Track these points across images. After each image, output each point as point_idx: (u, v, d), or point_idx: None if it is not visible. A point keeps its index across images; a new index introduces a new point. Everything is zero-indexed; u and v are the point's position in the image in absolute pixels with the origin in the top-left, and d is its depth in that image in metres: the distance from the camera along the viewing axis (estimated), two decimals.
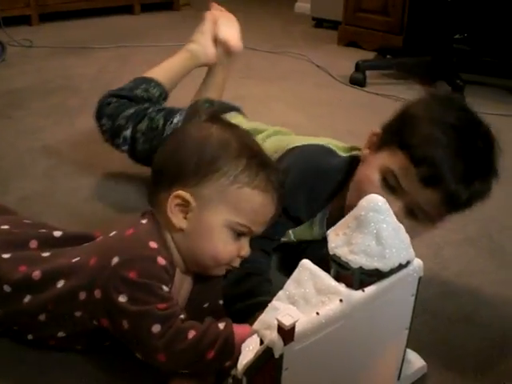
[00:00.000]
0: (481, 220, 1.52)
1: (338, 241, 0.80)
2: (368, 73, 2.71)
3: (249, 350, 0.79)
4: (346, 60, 2.94)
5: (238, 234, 0.93)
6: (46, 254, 0.96)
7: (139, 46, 3.09)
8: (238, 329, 0.88)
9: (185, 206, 0.90)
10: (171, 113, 1.49)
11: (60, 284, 0.91)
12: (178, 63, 1.68)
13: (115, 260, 0.85)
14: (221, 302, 1.03)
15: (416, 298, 0.88)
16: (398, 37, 3.14)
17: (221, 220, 0.90)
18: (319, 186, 1.19)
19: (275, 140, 1.34)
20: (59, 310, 0.92)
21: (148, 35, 3.38)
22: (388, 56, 3.07)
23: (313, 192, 1.19)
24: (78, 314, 0.90)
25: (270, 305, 0.74)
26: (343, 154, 1.24)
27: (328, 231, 0.84)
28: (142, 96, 1.57)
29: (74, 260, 0.92)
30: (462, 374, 1.02)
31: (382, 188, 1.09)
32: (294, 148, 1.23)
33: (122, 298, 0.83)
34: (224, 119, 1.01)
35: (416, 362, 1.00)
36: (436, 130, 1.06)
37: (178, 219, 0.91)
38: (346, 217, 0.82)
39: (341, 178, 1.20)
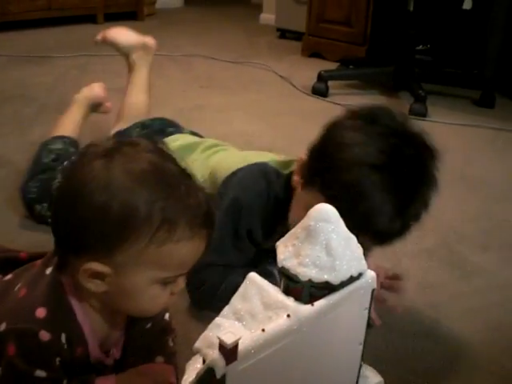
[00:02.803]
0: (439, 230, 1.51)
1: (286, 253, 0.77)
2: (331, 83, 2.71)
3: (193, 369, 0.75)
4: (309, 70, 2.94)
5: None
6: None
7: (99, 56, 3.03)
8: None
9: (100, 273, 0.78)
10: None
11: None
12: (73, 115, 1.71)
13: (2, 327, 0.79)
14: (166, 316, 0.97)
15: (369, 312, 0.85)
16: (361, 47, 3.15)
17: (144, 280, 0.79)
18: (269, 212, 1.19)
19: (216, 160, 1.34)
20: None
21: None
22: (351, 66, 3.07)
23: (264, 218, 1.19)
24: None
25: (213, 322, 0.71)
26: (284, 172, 1.22)
27: (277, 243, 0.80)
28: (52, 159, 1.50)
29: None
30: None
31: None
32: (235, 173, 1.21)
33: None
34: (126, 151, 0.78)
35: (373, 377, 0.97)
36: (359, 173, 1.00)
37: (95, 285, 0.79)
38: (295, 227, 0.78)
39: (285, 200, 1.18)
